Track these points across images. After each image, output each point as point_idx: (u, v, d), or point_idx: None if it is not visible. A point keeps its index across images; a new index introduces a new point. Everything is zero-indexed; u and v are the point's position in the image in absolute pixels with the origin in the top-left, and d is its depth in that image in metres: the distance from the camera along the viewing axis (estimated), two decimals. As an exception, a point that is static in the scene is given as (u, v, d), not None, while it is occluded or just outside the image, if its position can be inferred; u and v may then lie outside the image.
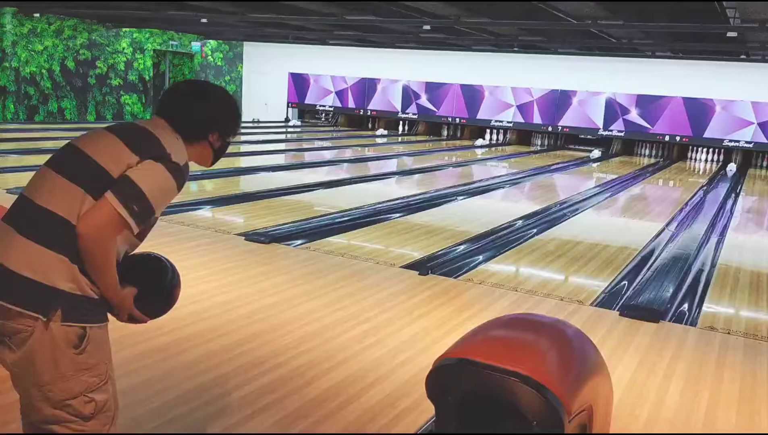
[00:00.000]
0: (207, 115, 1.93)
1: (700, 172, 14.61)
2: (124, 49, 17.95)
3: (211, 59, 20.55)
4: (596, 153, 16.72)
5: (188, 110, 1.91)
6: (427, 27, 12.71)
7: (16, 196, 1.82)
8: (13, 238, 1.69)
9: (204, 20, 13.87)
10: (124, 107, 18.21)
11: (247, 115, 21.52)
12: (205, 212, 6.82)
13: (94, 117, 17.47)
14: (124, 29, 17.74)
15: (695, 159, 16.62)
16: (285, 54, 20.70)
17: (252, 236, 5.63)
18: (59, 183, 1.72)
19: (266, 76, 21.11)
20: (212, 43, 20.46)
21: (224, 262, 4.91)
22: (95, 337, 1.73)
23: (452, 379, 1.91)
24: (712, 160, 16.39)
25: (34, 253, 1.66)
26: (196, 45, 20.06)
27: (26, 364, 1.68)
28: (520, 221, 7.36)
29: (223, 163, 10.88)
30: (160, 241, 5.40)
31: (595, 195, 10.07)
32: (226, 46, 20.78)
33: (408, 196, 8.64)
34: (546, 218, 7.70)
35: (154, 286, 1.97)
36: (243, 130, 17.96)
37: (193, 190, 8.47)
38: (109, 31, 17.48)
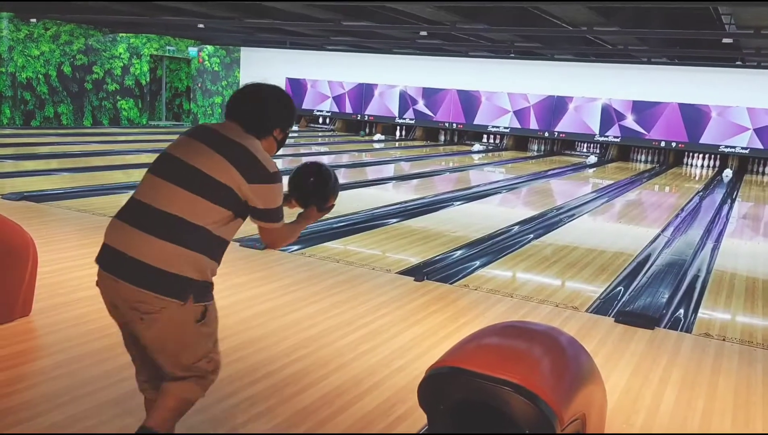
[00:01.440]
0: (270, 115, 2.31)
1: (696, 178, 14.64)
2: (120, 54, 17.95)
3: (208, 64, 20.56)
4: (592, 159, 16.76)
5: (254, 113, 2.27)
6: (424, 33, 12.75)
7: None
8: (141, 236, 2.06)
9: (201, 25, 13.89)
10: (120, 112, 18.21)
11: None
12: (201, 218, 6.80)
13: (90, 122, 17.46)
14: (120, 34, 17.75)
15: (691, 165, 16.66)
16: (282, 59, 20.73)
17: (247, 242, 5.62)
18: (181, 194, 2.10)
19: (263, 81, 21.10)
20: (209, 48, 20.48)
21: (219, 268, 4.88)
22: (211, 311, 2.21)
23: (444, 388, 1.91)
24: (708, 166, 16.44)
25: (167, 249, 2.04)
26: (193, 50, 20.08)
27: (162, 338, 2.09)
28: (517, 227, 7.36)
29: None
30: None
31: (591, 200, 10.09)
32: (223, 51, 20.79)
33: (405, 202, 8.64)
34: (542, 224, 7.70)
35: (308, 187, 2.53)
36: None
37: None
38: (106, 37, 17.49)
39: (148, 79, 18.89)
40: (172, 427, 2.20)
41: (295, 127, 20.74)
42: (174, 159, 2.19)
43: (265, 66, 21.07)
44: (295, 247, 5.64)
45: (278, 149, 2.39)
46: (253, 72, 21.28)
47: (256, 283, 4.61)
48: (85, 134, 14.82)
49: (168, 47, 19.41)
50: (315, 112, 20.83)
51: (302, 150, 15.95)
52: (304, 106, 20.87)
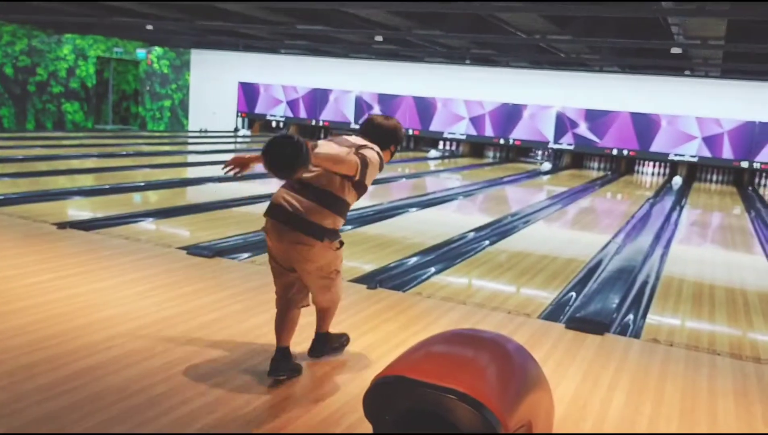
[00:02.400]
0: (389, 136, 3.40)
1: (647, 186, 14.98)
2: (65, 55, 17.44)
3: (157, 66, 20.16)
4: (546, 165, 17.01)
5: (379, 133, 3.38)
6: (380, 38, 12.74)
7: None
8: (304, 201, 3.13)
9: (150, 27, 13.58)
10: (65, 115, 17.68)
11: (194, 125, 21.18)
12: (148, 225, 6.61)
13: (33, 125, 16.90)
14: (66, 35, 17.24)
15: (642, 172, 17.06)
16: (234, 62, 20.47)
17: (195, 250, 5.47)
18: (324, 173, 3.16)
19: (215, 84, 20.81)
20: (158, 50, 20.08)
21: (164, 277, 4.74)
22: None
23: (390, 398, 1.84)
24: (658, 174, 16.86)
25: (317, 209, 3.11)
26: (141, 52, 19.64)
27: (312, 262, 3.15)
28: (472, 233, 7.37)
29: (168, 174, 10.67)
30: (98, 255, 5.20)
31: (545, 207, 10.19)
32: (172, 53, 20.41)
33: (360, 208, 8.57)
34: (498, 230, 7.73)
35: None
36: (190, 140, 17.65)
37: (136, 201, 8.24)
38: (51, 37, 16.97)
39: (94, 82, 18.40)
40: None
41: (247, 132, 20.50)
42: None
43: (216, 69, 20.78)
44: (246, 255, 5.51)
45: (390, 159, 3.44)
46: (204, 75, 20.96)
47: (204, 292, 4.48)
48: (27, 138, 14.33)
49: (115, 49, 18.95)
50: (268, 117, 20.62)
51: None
52: (257, 111, 20.64)
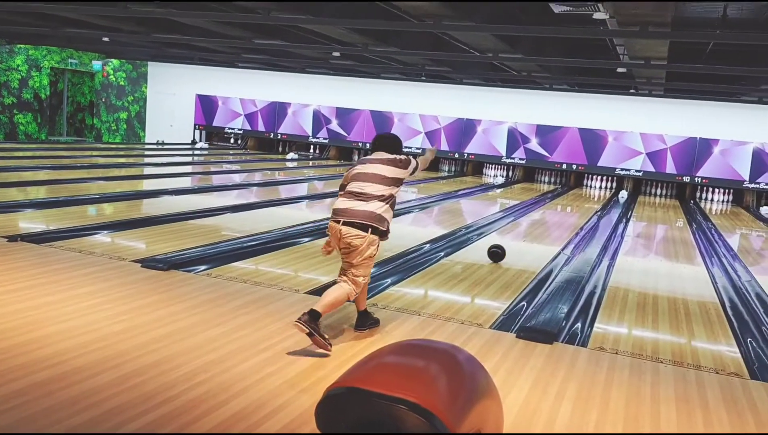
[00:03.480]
0: (396, 146, 4.40)
1: (595, 199, 15.41)
2: (18, 66, 17.04)
3: (113, 79, 19.85)
4: (499, 179, 17.35)
5: (389, 145, 4.39)
6: (337, 54, 12.85)
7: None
8: (356, 203, 4.08)
9: (106, 39, 13.41)
10: (17, 127, 17.24)
11: (151, 137, 20.90)
12: (103, 238, 6.52)
13: (-17, 136, 16.43)
14: (18, 45, 16.86)
15: (590, 186, 17.55)
16: (192, 75, 20.32)
17: (149, 263, 5.43)
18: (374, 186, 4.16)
19: (172, 96, 20.59)
20: (114, 62, 19.79)
21: (117, 291, 4.70)
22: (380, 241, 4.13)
23: (341, 409, 1.91)
24: (606, 188, 17.36)
25: (367, 210, 4.05)
26: (97, 64, 19.32)
27: (360, 251, 4.03)
28: (428, 245, 7.49)
29: (124, 186, 10.52)
30: (50, 268, 5.12)
31: (498, 220, 10.41)
32: (129, 65, 20.14)
33: (318, 221, 8.61)
34: (452, 242, 7.87)
35: None
36: (146, 153, 17.40)
37: (90, 214, 8.10)
38: (2, 48, 16.55)
39: (48, 93, 18.01)
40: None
41: (205, 145, 20.32)
42: (362, 173, 4.24)
43: (174, 81, 20.58)
44: (202, 268, 5.50)
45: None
46: (161, 87, 20.73)
47: (158, 305, 4.46)
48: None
49: (70, 60, 18.60)
50: (226, 130, 20.49)
51: (212, 168, 15.63)
52: (215, 124, 20.49)
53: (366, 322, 4.35)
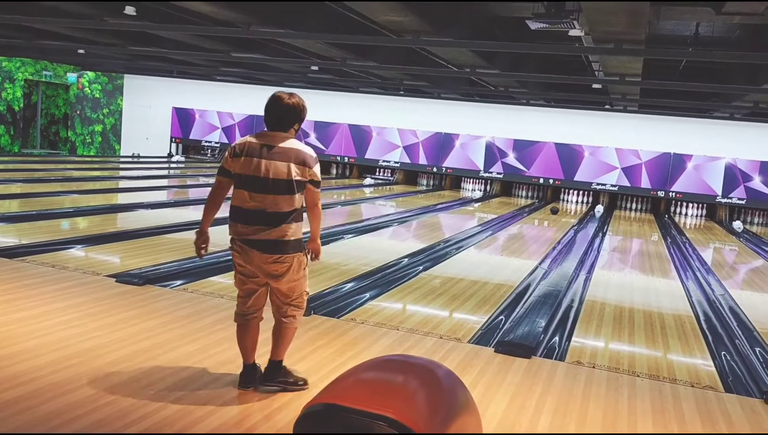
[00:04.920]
0: (288, 117, 3.37)
1: (571, 213, 15.57)
2: (-9, 77, 16.80)
3: (89, 91, 19.65)
4: (477, 193, 17.47)
5: (278, 119, 3.36)
6: (315, 67, 12.87)
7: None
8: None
9: (81, 51, 13.28)
10: (-11, 138, 16.97)
11: (126, 150, 20.70)
12: (77, 252, 6.42)
13: (-47, 148, 16.14)
14: (-9, 56, 16.65)
15: (567, 200, 17.73)
16: (169, 88, 20.20)
17: (124, 278, 5.35)
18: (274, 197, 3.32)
19: (148, 109, 20.44)
20: (90, 74, 19.60)
21: (91, 306, 4.62)
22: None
23: (320, 425, 1.89)
24: (582, 202, 17.55)
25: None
26: (72, 76, 19.12)
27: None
28: (407, 259, 7.49)
29: (98, 200, 10.38)
30: (22, 283, 5.02)
31: (476, 234, 10.46)
32: (105, 78, 19.96)
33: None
34: (431, 256, 7.88)
35: None
36: (122, 166, 17.22)
37: (63, 227, 7.98)
38: (-26, 58, 16.33)
39: (21, 105, 17.77)
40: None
41: (181, 158, 20.17)
42: (248, 177, 3.31)
43: (150, 94, 20.44)
44: (178, 283, 5.43)
45: (295, 135, 3.42)
46: (137, 100, 20.57)
47: (133, 321, 4.39)
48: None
49: (45, 72, 18.38)
50: (203, 143, 20.37)
51: (189, 181, 15.50)
52: (191, 137, 20.36)
53: (275, 376, 3.46)
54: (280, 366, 3.45)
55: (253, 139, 3.34)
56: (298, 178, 3.28)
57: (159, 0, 8.53)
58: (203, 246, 3.43)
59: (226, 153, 3.38)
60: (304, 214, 3.46)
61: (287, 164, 3.27)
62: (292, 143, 3.33)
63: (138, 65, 17.05)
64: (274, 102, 3.34)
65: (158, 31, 10.31)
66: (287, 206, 3.29)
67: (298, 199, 3.34)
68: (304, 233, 3.46)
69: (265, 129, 3.38)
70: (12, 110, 17.45)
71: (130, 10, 8.56)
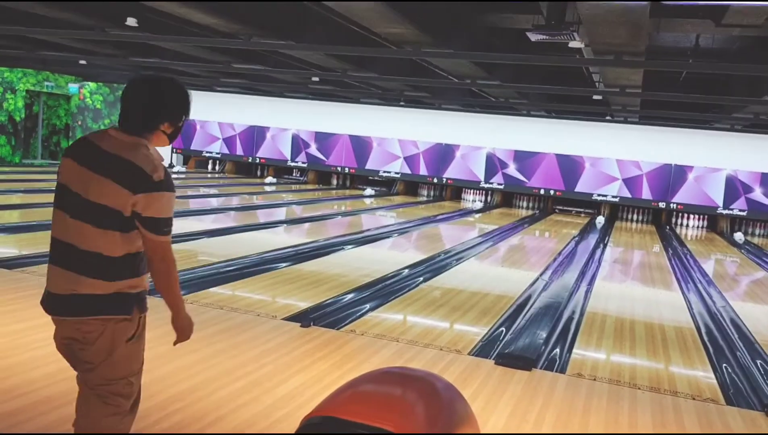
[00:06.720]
0: (152, 111, 2.19)
1: (572, 224, 15.55)
2: (-8, 88, 16.86)
3: (90, 102, 19.70)
4: (478, 204, 17.48)
5: (134, 113, 2.19)
6: (316, 78, 12.90)
7: None
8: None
9: (83, 62, 13.33)
10: (-10, 149, 17.00)
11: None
12: (75, 263, 6.40)
13: (-45, 159, 16.16)
14: (-7, 67, 16.71)
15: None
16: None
17: (124, 289, 5.34)
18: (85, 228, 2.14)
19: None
20: (91, 85, 19.66)
21: (91, 317, 4.60)
22: None
23: (318, 439, 1.87)
24: (583, 213, 17.52)
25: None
26: (73, 86, 19.18)
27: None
28: (407, 270, 7.47)
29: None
30: (22, 294, 5.01)
31: (477, 245, 10.44)
32: (106, 88, 20.02)
33: (296, 245, 8.57)
34: (432, 267, 7.87)
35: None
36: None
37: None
38: (-24, 69, 16.39)
39: (23, 116, 17.81)
40: None
41: (183, 169, 20.18)
42: (72, 193, 2.19)
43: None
44: (177, 294, 5.41)
45: (171, 141, 2.30)
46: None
47: (132, 332, 4.37)
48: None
49: (46, 82, 18.44)
50: (204, 154, 20.40)
51: (190, 192, 15.52)
52: (192, 147, 20.40)
53: None
54: None
55: (92, 138, 2.23)
56: (119, 208, 2.11)
57: None
58: None
59: None
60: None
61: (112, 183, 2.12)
62: (136, 153, 2.14)
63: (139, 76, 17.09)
64: (130, 86, 2.24)
65: (159, 42, 10.34)
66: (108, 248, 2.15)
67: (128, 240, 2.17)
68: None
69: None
70: (13, 121, 17.49)
71: (131, 21, 8.59)
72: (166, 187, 2.15)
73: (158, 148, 2.27)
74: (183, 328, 2.46)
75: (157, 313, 4.82)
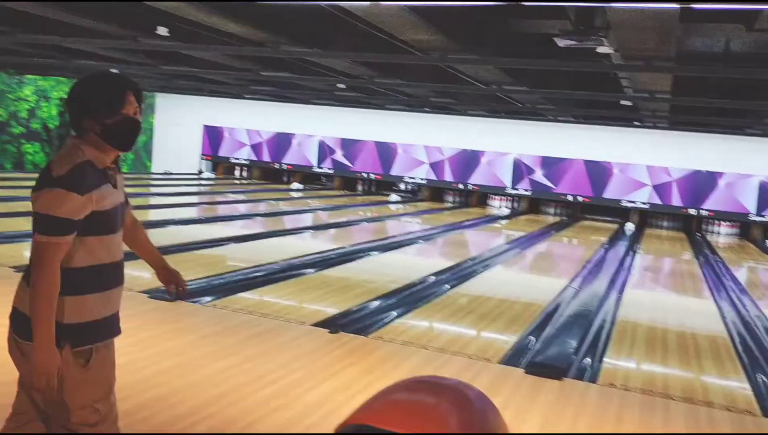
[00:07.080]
0: (71, 110, 2.08)
1: (601, 231, 15.38)
2: (27, 96, 17.25)
3: (122, 109, 20.03)
4: (504, 211, 17.39)
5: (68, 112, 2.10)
6: (342, 85, 12.98)
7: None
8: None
9: (115, 70, 13.57)
10: (24, 156, 17.39)
11: (158, 167, 21.03)
12: (108, 268, 6.51)
13: (-9, 166, 16.57)
14: (27, 76, 17.09)
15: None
16: (199, 106, 20.50)
17: (156, 293, 5.42)
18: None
19: (179, 127, 20.78)
20: (123, 92, 19.99)
21: (125, 322, 4.64)
22: None
23: (353, 447, 1.88)
24: (612, 220, 17.33)
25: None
26: (105, 94, 19.53)
27: None
28: (433, 277, 7.46)
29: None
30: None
31: (504, 251, 10.39)
32: (137, 96, 20.35)
33: (323, 251, 8.61)
34: (458, 274, 7.85)
35: None
36: (153, 182, 17.48)
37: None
38: (12, 78, 16.79)
39: (57, 123, 18.20)
40: None
41: (211, 175, 20.40)
42: None
43: (181, 112, 20.77)
44: (207, 299, 5.48)
45: (112, 143, 2.08)
46: (168, 118, 20.92)
47: (165, 337, 4.44)
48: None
49: (79, 90, 18.83)
50: (232, 160, 20.62)
51: (218, 198, 15.68)
52: (221, 154, 20.64)
53: None
54: None
55: None
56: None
57: None
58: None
59: None
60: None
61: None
62: (57, 153, 2.07)
63: (170, 84, 17.35)
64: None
65: (190, 51, 10.49)
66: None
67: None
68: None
69: None
70: (47, 128, 17.88)
71: (162, 30, 8.74)
72: (62, 184, 1.94)
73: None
74: (34, 367, 2.00)
75: (189, 319, 4.90)
